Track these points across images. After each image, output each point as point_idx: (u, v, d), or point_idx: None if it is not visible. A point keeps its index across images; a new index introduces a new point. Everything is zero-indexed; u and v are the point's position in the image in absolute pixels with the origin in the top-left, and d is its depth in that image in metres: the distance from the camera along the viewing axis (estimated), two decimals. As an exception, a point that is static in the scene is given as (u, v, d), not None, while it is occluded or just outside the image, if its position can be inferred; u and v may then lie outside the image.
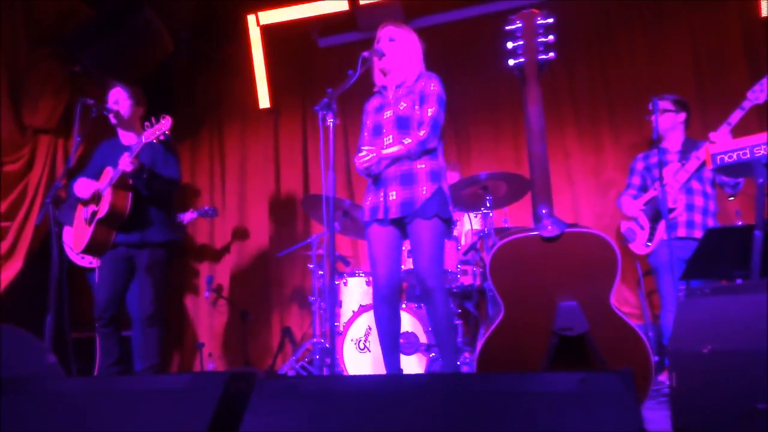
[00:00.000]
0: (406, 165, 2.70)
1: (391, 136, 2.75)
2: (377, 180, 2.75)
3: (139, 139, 3.16)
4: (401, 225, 2.74)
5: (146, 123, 3.15)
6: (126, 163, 3.13)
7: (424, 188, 2.66)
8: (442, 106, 2.74)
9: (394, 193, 2.69)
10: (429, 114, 2.71)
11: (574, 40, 4.76)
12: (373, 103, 2.93)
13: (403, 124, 2.74)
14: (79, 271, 4.21)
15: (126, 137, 3.47)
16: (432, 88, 2.74)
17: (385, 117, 2.80)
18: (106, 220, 3.25)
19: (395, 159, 2.70)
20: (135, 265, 3.34)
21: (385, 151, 2.69)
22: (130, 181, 3.27)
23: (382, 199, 2.72)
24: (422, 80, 2.79)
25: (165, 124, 3.09)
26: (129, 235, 3.30)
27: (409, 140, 2.68)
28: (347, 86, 2.63)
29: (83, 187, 3.33)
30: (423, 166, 2.69)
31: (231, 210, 5.43)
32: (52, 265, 2.94)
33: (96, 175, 3.42)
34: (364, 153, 2.66)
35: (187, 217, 4.66)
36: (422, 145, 2.68)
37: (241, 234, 5.41)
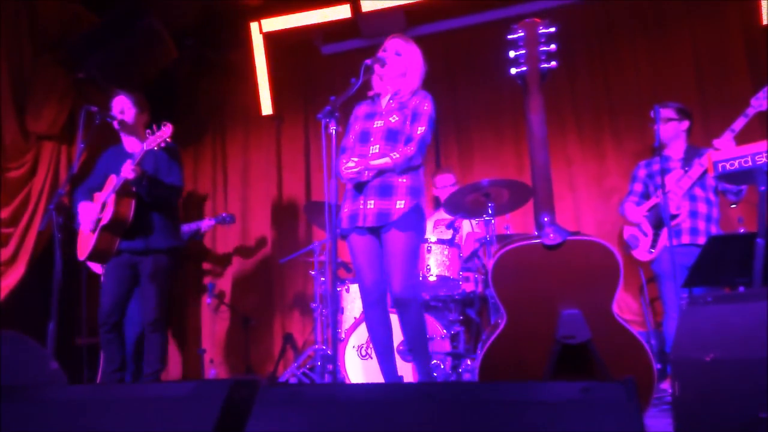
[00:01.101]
0: (388, 177, 2.74)
1: (377, 146, 2.78)
2: (359, 188, 2.78)
3: (141, 146, 3.18)
4: (378, 234, 2.78)
5: (148, 130, 3.17)
6: (128, 170, 3.15)
7: (402, 202, 2.70)
8: (431, 127, 2.80)
9: (372, 202, 2.73)
10: (418, 132, 2.76)
11: (576, 47, 4.77)
12: (363, 108, 2.95)
13: (391, 137, 2.77)
14: (91, 278, 4.21)
15: (130, 144, 3.49)
16: (425, 108, 2.79)
17: (374, 126, 2.83)
18: (110, 227, 3.26)
19: (381, 171, 2.73)
20: (139, 271, 3.35)
21: (373, 163, 2.72)
22: (133, 189, 3.28)
23: (361, 207, 2.75)
24: (417, 98, 2.83)
25: (166, 131, 3.11)
26: (132, 242, 3.31)
27: (397, 155, 2.71)
28: (350, 94, 2.65)
29: (85, 216, 3.34)
30: (404, 180, 2.74)
31: (233, 216, 5.43)
32: (55, 271, 2.95)
33: (101, 182, 3.44)
34: (352, 165, 2.69)
35: (205, 224, 4.67)
36: (408, 162, 2.73)
37: (243, 240, 5.41)
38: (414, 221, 2.72)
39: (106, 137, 3.60)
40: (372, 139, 2.81)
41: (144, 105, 3.52)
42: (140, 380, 3.48)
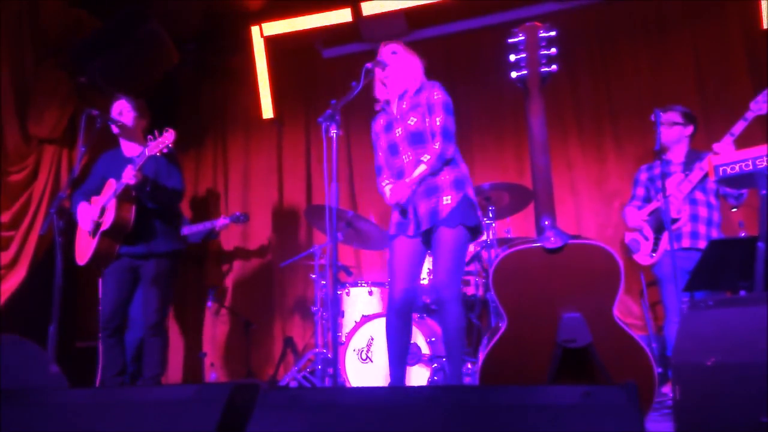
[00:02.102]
0: (429, 179, 2.71)
1: (409, 154, 2.75)
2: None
3: (142, 151, 3.18)
4: (427, 235, 2.74)
5: (149, 136, 3.17)
6: (129, 176, 3.15)
7: (449, 197, 2.67)
8: (450, 113, 2.75)
9: (421, 206, 2.70)
10: (437, 124, 2.72)
11: (578, 52, 4.78)
12: (380, 122, 2.91)
13: (416, 140, 2.74)
14: (93, 281, 4.21)
15: (128, 148, 3.49)
16: (436, 96, 2.75)
17: (397, 135, 2.79)
18: (110, 232, 3.26)
19: (422, 179, 2.71)
20: (140, 275, 3.36)
21: (410, 180, 2.68)
22: (133, 193, 3.28)
23: (412, 216, 2.72)
24: (425, 91, 2.80)
25: (168, 137, 3.11)
26: (134, 246, 3.31)
27: (428, 156, 2.68)
28: (351, 97, 2.65)
29: (85, 217, 3.34)
30: (446, 177, 2.71)
31: (234, 219, 5.44)
32: (56, 275, 2.94)
33: (98, 186, 3.44)
34: (397, 194, 2.67)
35: (219, 223, 4.65)
36: (441, 158, 2.69)
37: (244, 244, 5.42)
38: (463, 214, 2.67)
39: (107, 141, 3.61)
40: (400, 148, 2.78)
41: (144, 111, 3.53)
42: (140, 384, 3.48)
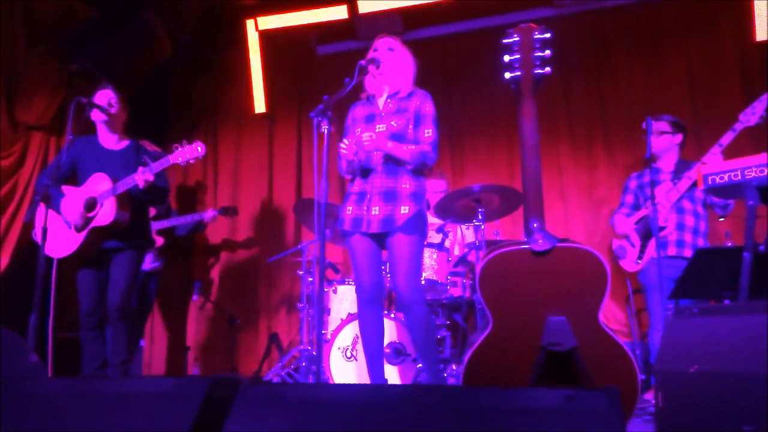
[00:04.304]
0: (392, 182, 2.73)
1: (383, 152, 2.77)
2: (363, 194, 2.76)
3: (165, 158, 3.15)
4: (380, 238, 2.78)
5: (175, 144, 3.15)
6: (145, 177, 3.11)
7: (407, 207, 2.70)
8: (437, 127, 2.81)
9: (376, 208, 2.73)
10: (427, 135, 2.77)
11: (572, 58, 4.80)
12: (361, 111, 2.92)
13: (396, 141, 2.75)
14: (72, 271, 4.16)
15: (106, 139, 3.44)
16: (427, 109, 2.80)
17: (377, 130, 2.80)
18: (105, 229, 3.21)
19: (389, 156, 2.73)
20: (112, 263, 3.31)
21: (389, 146, 2.69)
22: (136, 193, 3.24)
23: (365, 212, 2.75)
24: (417, 99, 2.82)
25: (199, 150, 3.09)
26: (111, 240, 3.28)
27: (413, 147, 2.71)
28: (343, 94, 2.63)
29: (71, 211, 3.29)
30: (407, 186, 2.74)
31: (222, 214, 5.40)
32: (39, 263, 2.90)
33: (67, 170, 3.36)
34: (367, 137, 2.68)
35: (208, 215, 4.61)
36: (423, 156, 2.72)
37: (231, 238, 5.38)
38: (418, 225, 2.73)
39: (95, 130, 3.57)
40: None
41: (125, 104, 3.51)
42: (108, 371, 3.42)
